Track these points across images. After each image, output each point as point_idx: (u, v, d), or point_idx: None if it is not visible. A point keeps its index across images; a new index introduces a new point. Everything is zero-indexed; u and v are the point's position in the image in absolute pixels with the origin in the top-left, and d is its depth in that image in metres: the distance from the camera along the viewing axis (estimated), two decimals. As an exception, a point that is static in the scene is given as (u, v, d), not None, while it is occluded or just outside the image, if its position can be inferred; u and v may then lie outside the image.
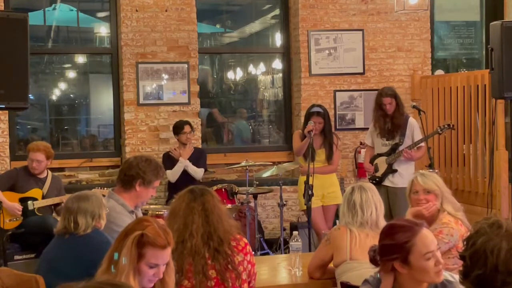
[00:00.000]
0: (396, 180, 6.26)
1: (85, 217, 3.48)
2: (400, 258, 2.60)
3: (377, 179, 6.33)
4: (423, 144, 6.27)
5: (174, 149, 6.87)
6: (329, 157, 6.28)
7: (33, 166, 5.87)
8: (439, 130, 6.26)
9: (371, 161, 6.46)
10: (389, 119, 6.33)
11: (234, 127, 8.34)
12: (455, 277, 2.76)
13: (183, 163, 6.71)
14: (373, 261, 2.69)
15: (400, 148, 6.28)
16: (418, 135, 6.32)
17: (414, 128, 6.33)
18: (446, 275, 2.74)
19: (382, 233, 2.70)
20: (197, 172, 6.78)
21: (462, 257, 2.25)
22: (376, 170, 6.39)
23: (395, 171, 6.28)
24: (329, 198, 6.31)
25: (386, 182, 6.29)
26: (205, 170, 7.00)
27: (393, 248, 2.61)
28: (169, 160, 6.77)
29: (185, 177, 6.66)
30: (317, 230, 6.14)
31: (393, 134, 6.34)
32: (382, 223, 3.66)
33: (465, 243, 2.26)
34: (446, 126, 6.25)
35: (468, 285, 2.20)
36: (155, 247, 2.54)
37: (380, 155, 6.41)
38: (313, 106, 6.35)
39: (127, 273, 2.48)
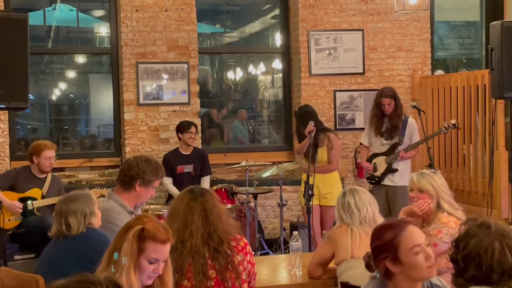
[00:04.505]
0: (396, 179, 6.24)
1: (76, 217, 3.49)
2: (390, 256, 2.55)
3: (376, 179, 6.31)
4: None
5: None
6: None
7: (51, 163, 5.87)
8: (443, 130, 6.18)
9: (368, 161, 6.44)
10: (387, 119, 6.32)
11: (233, 127, 8.34)
12: (443, 282, 2.75)
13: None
14: (368, 266, 2.66)
15: (400, 148, 6.26)
16: (417, 137, 6.30)
17: (413, 129, 6.31)
18: (434, 279, 2.70)
19: (372, 236, 2.67)
20: (206, 185, 6.66)
21: (453, 260, 2.24)
22: (375, 169, 6.36)
23: (396, 170, 6.25)
24: (327, 199, 6.28)
25: (386, 181, 6.27)
26: (210, 174, 6.99)
27: (382, 247, 2.57)
28: (168, 165, 6.73)
29: (185, 177, 6.66)
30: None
31: (392, 134, 6.32)
32: (379, 218, 3.74)
33: (453, 244, 2.26)
34: (451, 125, 6.15)
35: (462, 282, 2.21)
36: (156, 241, 2.55)
37: (377, 154, 6.39)
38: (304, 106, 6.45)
39: (127, 268, 2.49)
